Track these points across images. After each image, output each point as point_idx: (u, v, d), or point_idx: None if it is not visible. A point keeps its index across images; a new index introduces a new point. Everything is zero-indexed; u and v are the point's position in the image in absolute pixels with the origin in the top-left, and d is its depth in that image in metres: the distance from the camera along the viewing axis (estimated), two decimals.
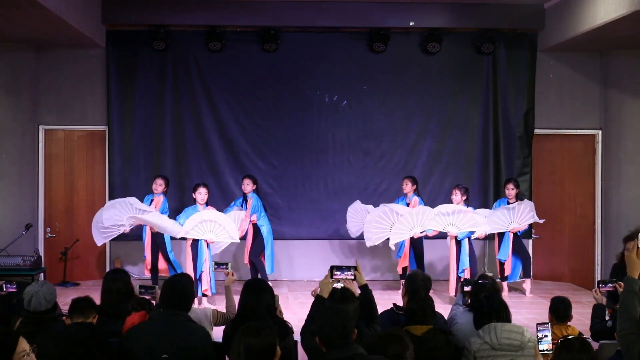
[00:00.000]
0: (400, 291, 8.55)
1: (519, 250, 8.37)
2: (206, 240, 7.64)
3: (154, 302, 4.56)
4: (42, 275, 7.99)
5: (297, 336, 4.06)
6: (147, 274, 8.25)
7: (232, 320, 4.21)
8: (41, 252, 8.77)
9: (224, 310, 4.78)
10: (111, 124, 9.25)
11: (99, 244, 8.01)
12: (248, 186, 8.34)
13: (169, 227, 7.69)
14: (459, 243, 7.91)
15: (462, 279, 6.07)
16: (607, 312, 4.97)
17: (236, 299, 4.18)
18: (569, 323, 4.69)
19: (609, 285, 5.04)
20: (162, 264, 8.19)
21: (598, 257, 9.46)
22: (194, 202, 7.94)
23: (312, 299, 4.25)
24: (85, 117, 9.34)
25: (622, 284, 4.70)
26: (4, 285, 4.98)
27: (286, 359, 3.83)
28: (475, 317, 4.06)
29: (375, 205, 8.67)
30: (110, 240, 9.31)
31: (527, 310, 7.58)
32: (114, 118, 9.25)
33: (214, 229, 7.54)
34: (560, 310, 4.68)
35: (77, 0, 7.85)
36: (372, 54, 9.32)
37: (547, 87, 9.54)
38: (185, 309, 3.80)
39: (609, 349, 4.28)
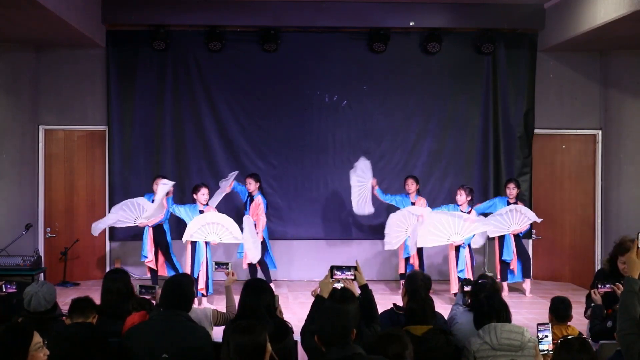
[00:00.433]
0: (400, 291, 8.61)
1: (519, 250, 8.37)
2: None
3: (154, 302, 4.56)
4: (42, 275, 7.99)
5: (297, 336, 4.06)
6: (149, 274, 8.24)
7: (232, 320, 4.22)
8: (41, 252, 8.78)
9: (224, 310, 4.78)
10: (111, 124, 9.25)
11: (96, 233, 8.09)
12: (251, 185, 8.34)
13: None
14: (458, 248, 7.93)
15: (462, 280, 6.06)
16: (605, 312, 4.97)
17: (236, 299, 4.18)
18: (569, 323, 4.69)
19: (607, 286, 5.04)
20: (161, 265, 8.19)
21: (598, 257, 9.46)
22: (193, 202, 7.94)
23: (312, 299, 4.25)
24: (85, 117, 9.34)
25: (620, 285, 4.73)
26: (3, 285, 4.98)
27: (286, 359, 3.83)
28: (475, 317, 4.06)
29: (376, 204, 8.72)
30: (110, 241, 9.36)
31: (527, 310, 7.58)
32: (114, 118, 9.25)
33: (217, 230, 7.55)
34: (560, 310, 4.68)
35: (77, 0, 7.85)
36: (372, 54, 9.32)
37: (547, 87, 9.54)
38: (185, 309, 3.80)
39: (609, 349, 4.27)
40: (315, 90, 9.40)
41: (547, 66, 9.51)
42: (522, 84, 9.47)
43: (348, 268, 4.30)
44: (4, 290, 4.95)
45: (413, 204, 8.40)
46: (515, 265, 8.35)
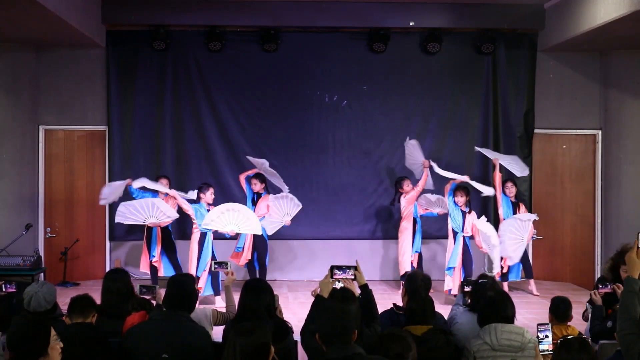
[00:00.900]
0: (400, 291, 8.61)
1: None
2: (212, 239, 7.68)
3: (154, 302, 4.56)
4: (42, 275, 7.99)
5: (297, 336, 4.06)
6: (149, 273, 8.22)
7: (232, 320, 4.22)
8: (41, 252, 8.78)
9: (224, 310, 4.78)
10: (111, 124, 9.26)
11: (101, 202, 8.23)
12: (256, 186, 8.34)
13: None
14: (455, 239, 7.95)
15: (463, 280, 6.06)
16: (605, 313, 4.97)
17: (236, 299, 4.18)
18: (569, 323, 4.68)
19: (608, 286, 5.04)
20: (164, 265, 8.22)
21: (598, 257, 9.47)
22: (197, 201, 7.93)
23: (312, 299, 4.25)
24: (85, 117, 9.34)
25: (620, 285, 4.73)
26: (3, 285, 4.98)
27: (286, 359, 3.83)
28: (479, 317, 4.05)
29: (376, 204, 8.73)
30: (110, 241, 9.36)
31: (527, 310, 7.57)
32: (114, 118, 9.25)
33: (236, 220, 7.55)
34: (560, 310, 4.68)
35: (77, 0, 7.85)
36: (372, 54, 9.32)
37: (547, 87, 9.54)
38: (188, 310, 3.80)
39: (609, 349, 4.28)
40: (315, 90, 9.40)
41: (547, 66, 9.51)
42: (522, 84, 9.47)
43: (348, 268, 4.30)
44: (4, 290, 4.96)
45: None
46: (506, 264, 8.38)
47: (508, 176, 9.04)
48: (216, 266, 5.32)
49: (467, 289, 4.77)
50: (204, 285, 7.66)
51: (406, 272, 8.17)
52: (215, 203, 8.37)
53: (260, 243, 8.31)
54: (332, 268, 4.29)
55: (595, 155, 9.59)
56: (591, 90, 9.51)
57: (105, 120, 9.29)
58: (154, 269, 8.17)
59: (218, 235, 7.95)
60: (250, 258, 8.31)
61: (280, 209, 8.27)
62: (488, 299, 4.03)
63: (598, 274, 9.26)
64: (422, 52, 9.38)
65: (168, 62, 9.26)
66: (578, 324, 5.09)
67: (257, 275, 8.22)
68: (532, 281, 8.57)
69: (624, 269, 5.03)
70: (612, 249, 8.64)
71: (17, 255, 7.77)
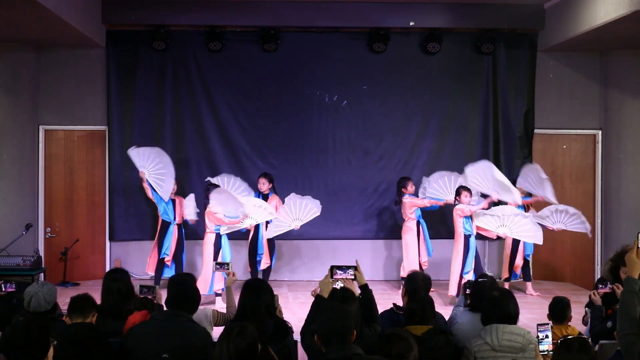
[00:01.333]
0: (400, 291, 8.61)
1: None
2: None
3: (155, 301, 4.55)
4: (42, 275, 7.99)
5: (297, 336, 4.06)
6: (153, 272, 8.20)
7: (232, 320, 4.22)
8: (41, 252, 8.77)
9: (225, 311, 4.78)
10: (111, 124, 9.25)
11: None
12: (264, 185, 8.34)
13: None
14: (467, 243, 7.90)
15: (466, 282, 6.04)
16: (605, 313, 4.97)
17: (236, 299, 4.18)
18: (569, 323, 4.68)
19: (608, 286, 5.03)
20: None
21: (598, 257, 9.47)
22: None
23: (312, 299, 4.25)
24: (85, 117, 9.34)
25: (620, 285, 4.73)
26: (2, 285, 4.99)
27: (286, 359, 3.84)
28: (483, 316, 4.04)
29: (376, 204, 8.73)
30: (110, 241, 9.36)
31: (527, 310, 7.56)
32: (114, 118, 9.25)
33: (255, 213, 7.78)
34: (556, 311, 4.68)
35: (77, 0, 7.85)
36: (372, 54, 9.31)
37: (547, 87, 9.54)
38: (190, 310, 3.81)
39: (609, 349, 4.27)
40: (315, 90, 9.40)
41: (547, 66, 9.51)
42: (522, 84, 9.47)
43: (348, 268, 4.30)
44: (3, 289, 4.96)
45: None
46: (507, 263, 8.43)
47: (510, 176, 9.03)
48: (217, 267, 5.32)
49: (469, 291, 4.76)
50: (223, 284, 7.65)
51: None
52: None
53: (269, 243, 8.38)
54: (332, 268, 4.29)
55: (595, 155, 9.59)
56: (591, 90, 9.51)
57: (105, 120, 9.29)
58: (160, 268, 8.14)
59: (231, 236, 7.99)
60: (269, 262, 8.36)
61: (291, 212, 8.06)
62: (492, 298, 4.02)
63: (598, 274, 9.26)
64: (422, 52, 9.38)
65: (168, 62, 9.25)
66: (578, 324, 5.10)
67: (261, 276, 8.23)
68: (529, 284, 8.57)
69: (623, 271, 5.03)
70: (612, 249, 8.65)
71: (17, 255, 7.77)
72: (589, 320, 5.04)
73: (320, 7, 9.05)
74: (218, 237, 7.69)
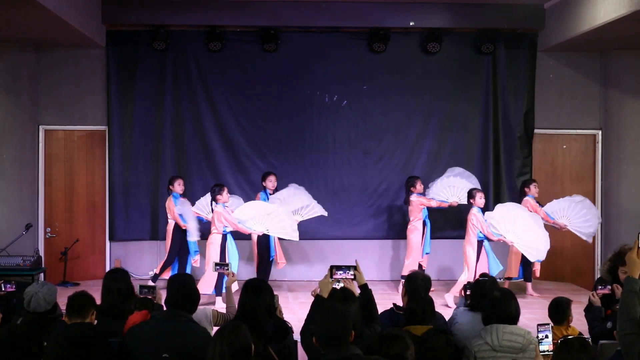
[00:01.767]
0: (400, 291, 8.61)
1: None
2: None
3: (155, 301, 4.55)
4: (42, 275, 8.00)
5: (297, 336, 4.06)
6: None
7: (231, 320, 4.22)
8: (41, 252, 8.77)
9: (225, 311, 4.78)
10: (111, 124, 9.25)
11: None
12: (272, 183, 8.39)
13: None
14: (481, 246, 7.86)
15: (466, 284, 6.03)
16: (605, 314, 4.96)
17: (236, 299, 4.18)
18: (571, 324, 4.67)
19: (607, 287, 5.03)
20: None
21: (598, 257, 9.47)
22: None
23: (312, 299, 4.25)
24: (85, 117, 9.34)
25: (619, 285, 4.72)
26: (2, 284, 4.98)
27: (286, 359, 3.84)
28: (484, 315, 4.04)
29: (376, 204, 8.73)
30: (110, 241, 9.37)
31: (527, 310, 7.55)
32: (114, 118, 9.25)
33: (271, 223, 7.74)
34: (553, 313, 4.68)
35: (77, 0, 7.85)
36: (372, 54, 9.31)
37: (547, 87, 9.54)
38: (189, 310, 3.80)
39: (609, 349, 4.27)
40: (315, 90, 9.40)
41: (547, 66, 9.51)
42: (522, 84, 9.47)
43: (348, 268, 4.30)
44: (3, 289, 4.96)
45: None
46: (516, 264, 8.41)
47: (510, 176, 9.05)
48: (218, 267, 5.31)
49: (469, 292, 4.76)
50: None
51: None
52: None
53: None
54: (332, 268, 4.29)
55: (595, 155, 9.59)
56: (591, 90, 9.51)
57: (105, 120, 9.29)
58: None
59: (237, 237, 8.01)
60: (285, 261, 8.50)
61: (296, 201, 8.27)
62: (493, 298, 4.02)
63: (598, 274, 9.26)
64: (422, 52, 9.38)
65: (168, 62, 9.25)
66: (579, 324, 5.09)
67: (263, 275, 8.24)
68: (529, 284, 8.57)
69: (622, 270, 5.03)
70: (612, 249, 8.63)
71: (17, 255, 7.77)
72: (588, 321, 5.04)
73: (320, 7, 9.05)
74: (224, 238, 7.69)
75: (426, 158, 9.48)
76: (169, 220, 8.24)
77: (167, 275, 8.11)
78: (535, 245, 7.79)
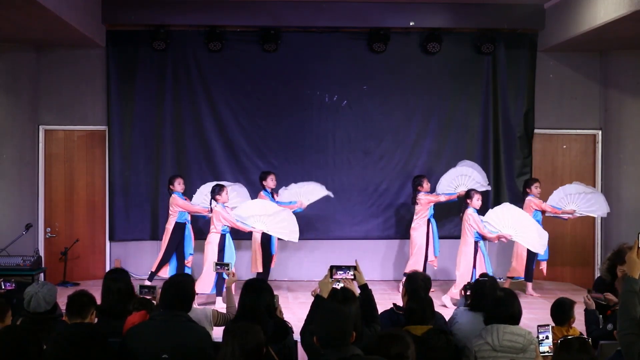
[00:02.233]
0: (400, 291, 8.61)
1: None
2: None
3: (154, 302, 4.56)
4: (42, 275, 8.00)
5: (297, 336, 4.06)
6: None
7: (232, 320, 4.22)
8: (41, 252, 8.78)
9: (225, 311, 4.78)
10: (111, 124, 9.25)
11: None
12: (272, 182, 8.42)
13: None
14: (477, 247, 7.85)
15: (466, 284, 6.04)
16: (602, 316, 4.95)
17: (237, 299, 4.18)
18: (573, 325, 4.66)
19: (602, 295, 5.01)
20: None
21: (598, 257, 9.47)
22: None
23: (312, 299, 4.25)
24: (85, 117, 9.34)
25: (610, 295, 4.72)
26: (2, 283, 4.98)
27: (286, 359, 3.84)
28: (486, 315, 4.04)
29: (376, 204, 8.76)
30: (110, 241, 9.37)
31: (527, 310, 7.50)
32: (114, 118, 9.25)
33: (272, 223, 7.76)
34: (555, 313, 4.67)
35: (77, 0, 7.85)
36: (372, 54, 9.31)
37: (547, 87, 9.54)
38: (185, 309, 3.80)
39: (609, 349, 4.27)
40: (315, 90, 9.40)
41: (547, 66, 9.51)
42: (522, 84, 9.47)
43: (348, 268, 4.30)
44: (3, 288, 4.96)
45: None
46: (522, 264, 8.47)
47: (510, 176, 9.05)
48: (218, 267, 5.32)
49: (469, 292, 4.76)
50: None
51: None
52: None
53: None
54: (332, 268, 4.29)
55: (595, 155, 9.59)
56: (591, 90, 9.51)
57: (105, 120, 9.29)
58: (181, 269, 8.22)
59: (236, 236, 8.03)
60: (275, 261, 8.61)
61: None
62: (497, 298, 4.02)
63: (598, 274, 9.25)
64: (422, 52, 9.38)
65: (168, 62, 9.25)
66: (579, 325, 5.08)
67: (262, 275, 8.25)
68: (529, 284, 8.57)
69: (620, 269, 5.03)
70: (612, 248, 8.64)
71: (17, 255, 7.77)
72: (586, 325, 5.01)
73: (320, 7, 9.05)
74: (223, 237, 7.69)
75: (426, 158, 9.48)
76: (170, 217, 8.23)
77: (164, 273, 8.13)
78: (533, 237, 7.79)
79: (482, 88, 9.48)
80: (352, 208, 9.45)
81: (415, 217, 8.57)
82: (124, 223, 9.26)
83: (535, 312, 7.28)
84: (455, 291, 7.71)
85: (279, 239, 8.32)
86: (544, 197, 8.82)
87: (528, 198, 8.39)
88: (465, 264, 7.81)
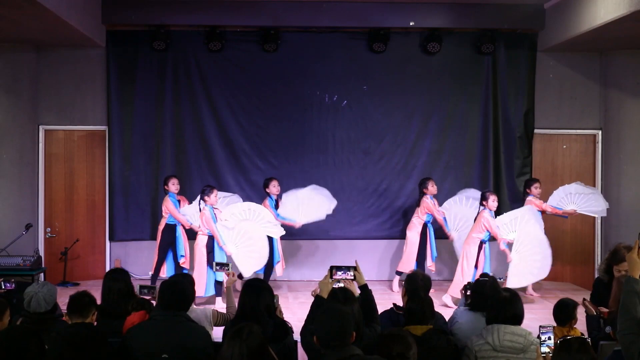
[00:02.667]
0: (397, 289, 8.63)
1: None
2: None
3: (154, 302, 4.56)
4: (42, 275, 7.99)
5: (297, 336, 4.06)
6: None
7: (231, 320, 4.22)
8: (41, 252, 8.77)
9: (225, 311, 4.78)
10: (111, 124, 9.25)
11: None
12: (275, 188, 8.40)
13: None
14: (482, 247, 7.86)
15: (466, 284, 6.04)
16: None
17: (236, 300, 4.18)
18: (575, 325, 4.66)
19: (599, 309, 5.00)
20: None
21: (598, 257, 9.47)
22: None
23: (312, 299, 4.25)
24: (85, 117, 9.34)
25: (604, 309, 4.71)
26: (2, 283, 4.98)
27: (286, 359, 3.84)
28: (488, 315, 4.04)
29: (376, 204, 8.75)
30: (110, 241, 9.37)
31: (527, 310, 7.51)
32: (114, 118, 9.25)
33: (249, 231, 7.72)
34: (557, 314, 4.67)
35: (77, 0, 7.84)
36: (372, 54, 9.31)
37: (547, 87, 9.54)
38: (184, 309, 3.80)
39: (609, 349, 4.27)
40: (315, 90, 9.40)
41: (547, 66, 9.51)
42: (522, 84, 9.47)
43: (348, 268, 4.30)
44: (3, 287, 4.96)
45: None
46: None
47: (510, 176, 9.05)
48: (217, 267, 5.31)
49: (469, 292, 4.76)
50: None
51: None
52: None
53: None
54: (332, 268, 4.29)
55: (595, 155, 9.60)
56: (591, 90, 9.51)
57: (105, 120, 9.29)
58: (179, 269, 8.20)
59: None
60: (284, 265, 8.61)
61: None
62: (502, 298, 4.02)
63: (597, 274, 9.25)
64: (422, 52, 9.38)
65: (168, 62, 9.25)
66: (579, 325, 5.08)
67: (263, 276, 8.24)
68: (529, 285, 8.57)
69: (617, 269, 5.03)
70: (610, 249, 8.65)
71: (17, 255, 7.76)
72: (587, 330, 5.00)
73: (320, 7, 9.05)
74: (211, 239, 7.66)
75: (426, 158, 9.48)
76: (162, 218, 8.23)
77: (164, 273, 8.16)
78: (537, 264, 7.88)
79: (482, 88, 9.48)
80: (352, 208, 9.45)
81: (413, 216, 8.57)
82: (123, 223, 9.26)
83: (535, 312, 7.29)
84: (456, 290, 7.70)
85: (281, 238, 8.33)
86: (544, 197, 8.83)
87: (528, 198, 8.39)
88: (467, 263, 7.80)
